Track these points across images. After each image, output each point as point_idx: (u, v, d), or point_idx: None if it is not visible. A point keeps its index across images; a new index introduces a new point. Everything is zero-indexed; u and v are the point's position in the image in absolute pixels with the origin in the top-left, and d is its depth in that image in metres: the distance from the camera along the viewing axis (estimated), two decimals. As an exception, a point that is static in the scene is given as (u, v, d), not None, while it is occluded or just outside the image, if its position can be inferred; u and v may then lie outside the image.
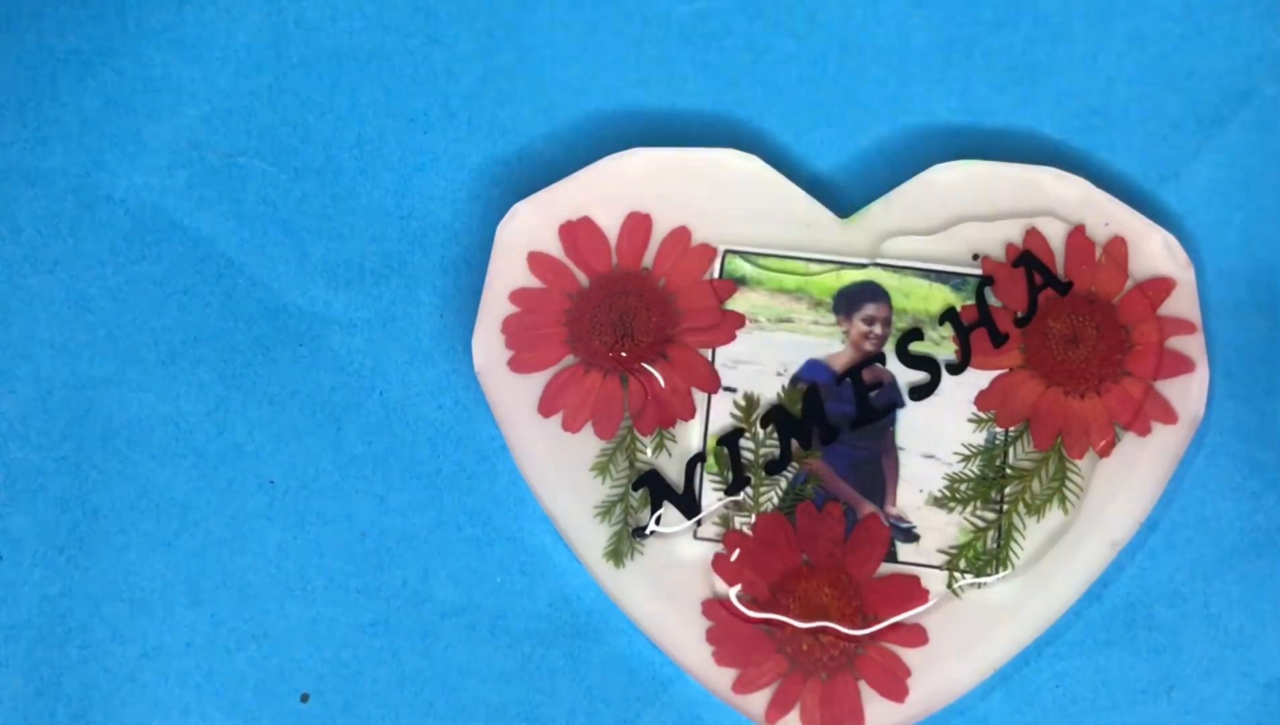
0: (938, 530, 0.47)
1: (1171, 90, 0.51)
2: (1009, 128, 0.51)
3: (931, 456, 0.48)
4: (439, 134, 0.51)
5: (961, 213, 0.49)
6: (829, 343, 0.48)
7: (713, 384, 0.48)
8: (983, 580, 0.47)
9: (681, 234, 0.49)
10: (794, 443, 0.48)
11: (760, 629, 0.47)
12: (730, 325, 0.48)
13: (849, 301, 0.49)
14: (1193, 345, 0.48)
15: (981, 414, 0.48)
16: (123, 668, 0.48)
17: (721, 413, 0.48)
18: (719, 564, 0.47)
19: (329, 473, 0.49)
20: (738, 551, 0.47)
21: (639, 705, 0.48)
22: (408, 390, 0.50)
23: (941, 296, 0.49)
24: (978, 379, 0.48)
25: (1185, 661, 0.48)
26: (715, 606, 0.47)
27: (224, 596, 0.49)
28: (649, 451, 0.48)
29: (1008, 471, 0.47)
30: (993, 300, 0.48)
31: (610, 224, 0.49)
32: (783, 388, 0.48)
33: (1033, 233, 0.49)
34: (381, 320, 0.50)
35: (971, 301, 0.48)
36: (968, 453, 0.48)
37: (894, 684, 0.46)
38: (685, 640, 0.47)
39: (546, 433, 0.48)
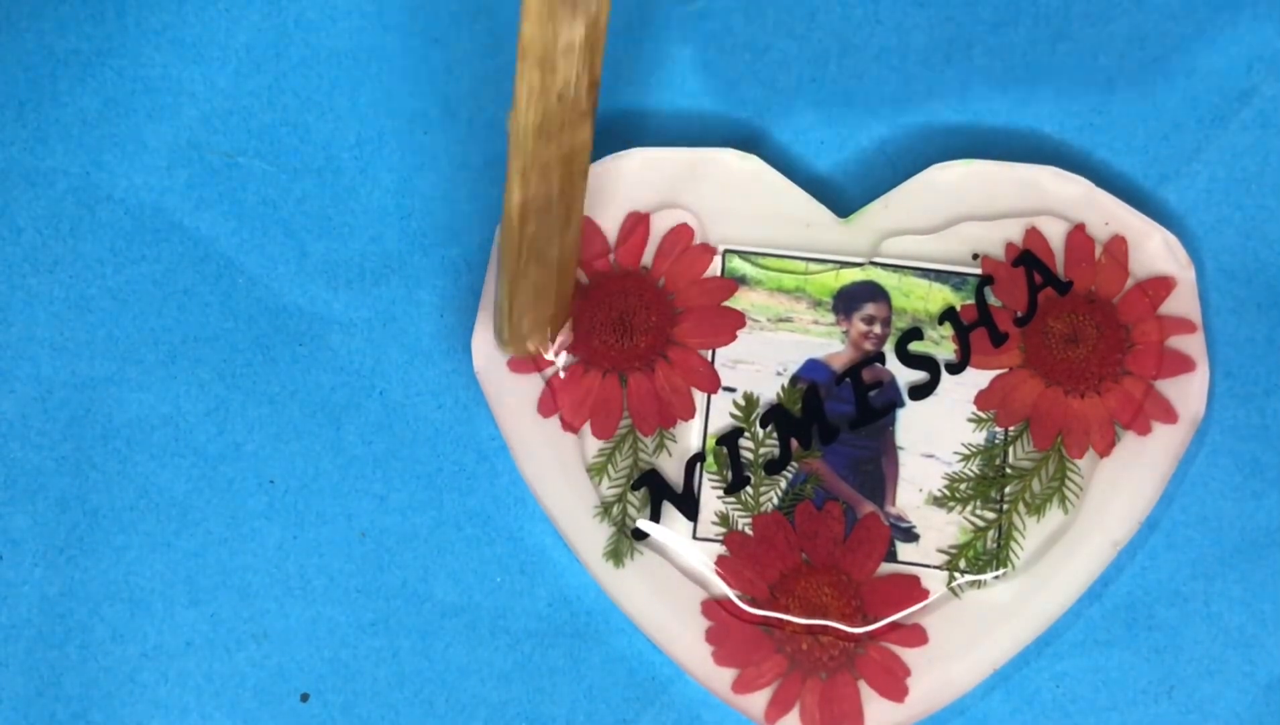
0: (937, 530, 0.47)
1: (1171, 90, 0.51)
2: (1009, 128, 0.51)
3: (931, 456, 0.48)
4: (439, 134, 0.51)
5: (961, 212, 0.49)
6: (828, 342, 0.48)
7: (712, 384, 0.48)
8: (982, 580, 0.47)
9: (681, 233, 0.49)
10: (793, 442, 0.48)
11: (760, 629, 0.47)
12: (730, 325, 0.48)
13: (848, 301, 0.49)
14: (1193, 345, 0.48)
15: (981, 413, 0.48)
16: (123, 668, 0.48)
17: (721, 412, 0.48)
18: (719, 564, 0.47)
19: (329, 473, 0.49)
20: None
21: (639, 705, 0.48)
22: (408, 390, 0.50)
23: (941, 296, 0.49)
24: (977, 378, 0.48)
25: (1185, 661, 0.48)
26: (715, 606, 0.47)
27: (224, 596, 0.49)
28: (649, 451, 0.48)
29: (1007, 471, 0.47)
30: (993, 300, 0.48)
31: (609, 223, 0.49)
32: (782, 387, 0.48)
33: (1033, 232, 0.49)
34: (381, 320, 0.50)
35: (971, 301, 0.48)
36: (967, 452, 0.48)
37: (894, 684, 0.46)
38: (685, 640, 0.47)
39: (546, 433, 0.48)
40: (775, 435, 0.48)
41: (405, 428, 0.49)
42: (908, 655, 0.47)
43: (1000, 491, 0.47)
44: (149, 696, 0.48)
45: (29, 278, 0.50)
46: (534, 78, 0.38)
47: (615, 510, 0.47)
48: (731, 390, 0.48)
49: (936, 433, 0.48)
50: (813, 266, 0.49)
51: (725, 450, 0.48)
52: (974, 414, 0.48)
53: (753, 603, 0.47)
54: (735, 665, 0.47)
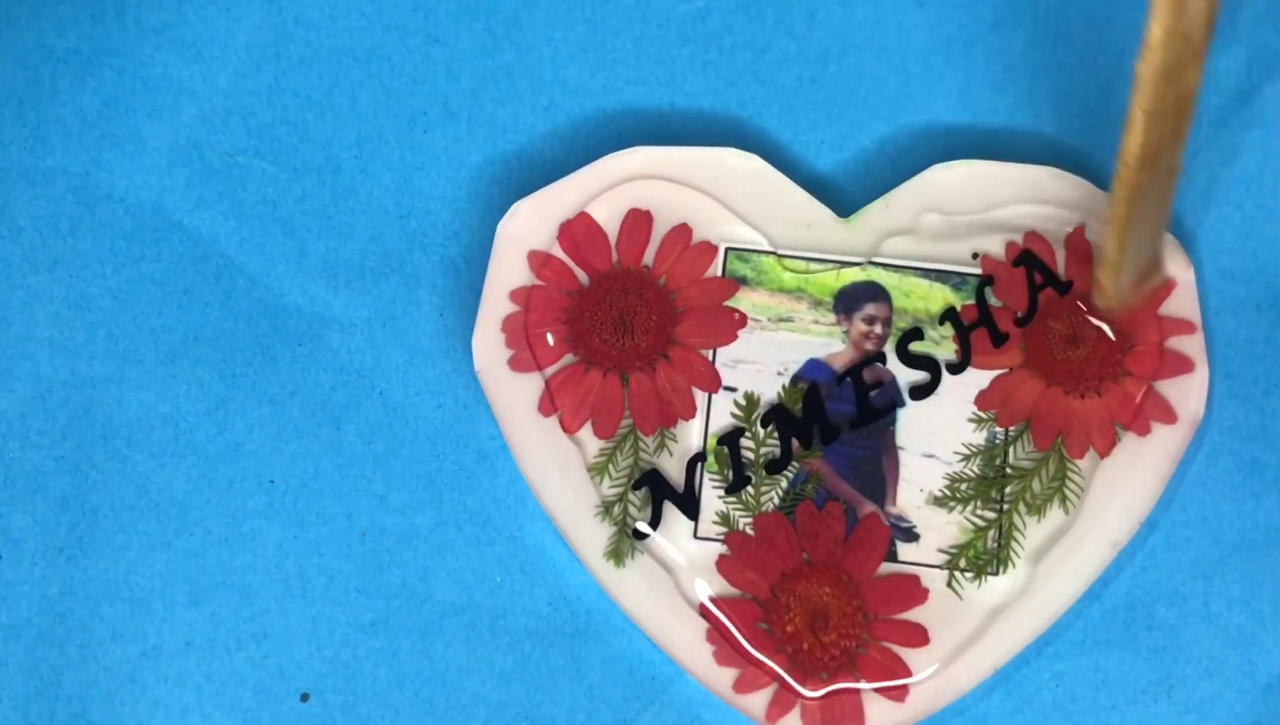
0: (938, 530, 0.47)
1: (1171, 90, 0.51)
2: (1009, 128, 0.51)
3: (932, 456, 0.48)
4: (439, 133, 0.51)
5: (961, 212, 0.49)
6: (829, 342, 0.48)
7: (713, 383, 0.48)
8: (983, 579, 0.47)
9: (682, 232, 0.49)
10: (794, 442, 0.48)
11: (761, 628, 0.47)
12: (731, 324, 0.48)
13: (849, 301, 0.49)
14: (1193, 345, 0.48)
15: (982, 414, 0.48)
16: (123, 668, 0.48)
17: (722, 412, 0.48)
18: (720, 564, 0.47)
19: (329, 472, 0.49)
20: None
21: (639, 705, 0.48)
22: (408, 390, 0.50)
23: (941, 296, 0.49)
24: (978, 378, 0.48)
25: (1185, 661, 0.48)
26: (715, 606, 0.47)
27: (224, 596, 0.49)
28: (650, 450, 0.48)
29: (1008, 471, 0.47)
30: (993, 300, 0.48)
31: (610, 222, 0.49)
32: (783, 387, 0.48)
33: (1033, 232, 0.49)
34: (381, 320, 0.50)
35: (971, 301, 0.48)
36: (968, 452, 0.48)
37: (894, 684, 0.46)
38: (685, 640, 0.47)
39: (546, 432, 0.48)
40: (776, 435, 0.48)
41: (405, 428, 0.49)
42: (908, 655, 0.47)
43: (1000, 491, 0.47)
44: (149, 696, 0.48)
45: (29, 277, 0.50)
46: (1169, 18, 0.39)
47: (616, 510, 0.47)
48: (732, 390, 0.48)
49: (937, 433, 0.48)
50: (813, 266, 0.49)
51: (726, 450, 0.48)
52: (974, 414, 0.48)
53: (754, 602, 0.47)
54: (736, 665, 0.47)
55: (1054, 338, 0.48)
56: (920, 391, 0.48)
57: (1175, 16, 0.39)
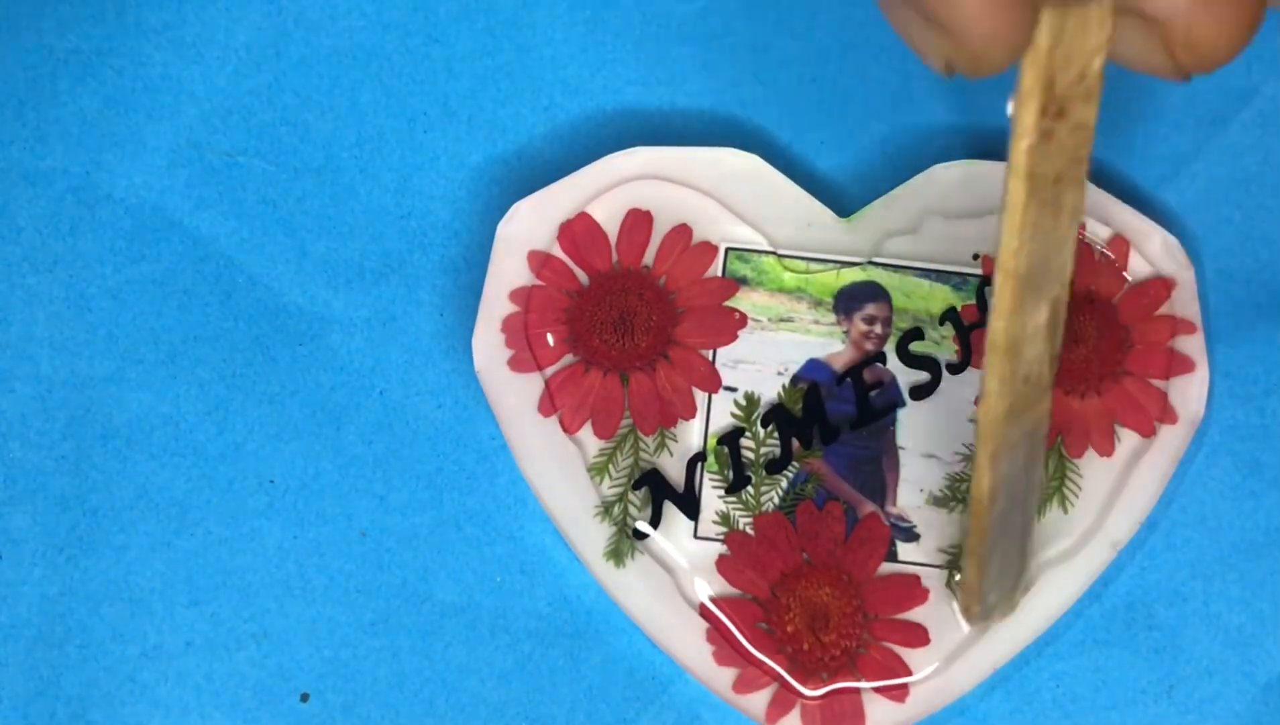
0: (938, 530, 0.47)
1: (1171, 90, 0.51)
2: (1009, 128, 0.51)
3: (932, 456, 0.48)
4: (439, 133, 0.51)
5: (962, 212, 0.49)
6: (829, 342, 0.48)
7: (713, 383, 0.48)
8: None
9: (682, 232, 0.49)
10: (794, 442, 0.48)
11: (761, 628, 0.47)
12: (731, 324, 0.48)
13: (849, 301, 0.49)
14: (1193, 345, 0.48)
15: (982, 414, 0.48)
16: (123, 668, 0.48)
17: (722, 412, 0.48)
18: (720, 564, 0.47)
19: (329, 472, 0.49)
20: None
21: (639, 705, 0.48)
22: (408, 390, 0.50)
23: (942, 296, 0.49)
24: (978, 379, 0.48)
25: (1185, 661, 0.48)
26: (716, 606, 0.47)
27: (224, 596, 0.49)
28: (650, 450, 0.48)
29: (1008, 471, 0.47)
30: (993, 300, 0.48)
31: (610, 222, 0.49)
32: (783, 387, 0.48)
33: (1033, 232, 0.49)
34: (381, 320, 0.50)
35: (972, 301, 0.48)
36: (968, 452, 0.48)
37: (895, 684, 0.46)
38: (685, 640, 0.47)
39: (546, 432, 0.48)
40: (776, 435, 0.48)
41: (405, 428, 0.49)
42: (908, 655, 0.47)
43: (1001, 491, 0.47)
44: (149, 696, 0.48)
45: (29, 277, 0.50)
46: (1004, 369, 0.39)
47: (616, 510, 0.47)
48: (733, 390, 0.48)
49: (937, 433, 0.48)
50: (814, 266, 0.49)
51: (726, 450, 0.48)
52: (975, 414, 0.48)
53: (754, 602, 0.47)
54: (736, 665, 0.47)
55: (1054, 338, 0.48)
56: (920, 391, 0.48)
57: (1011, 365, 0.39)
